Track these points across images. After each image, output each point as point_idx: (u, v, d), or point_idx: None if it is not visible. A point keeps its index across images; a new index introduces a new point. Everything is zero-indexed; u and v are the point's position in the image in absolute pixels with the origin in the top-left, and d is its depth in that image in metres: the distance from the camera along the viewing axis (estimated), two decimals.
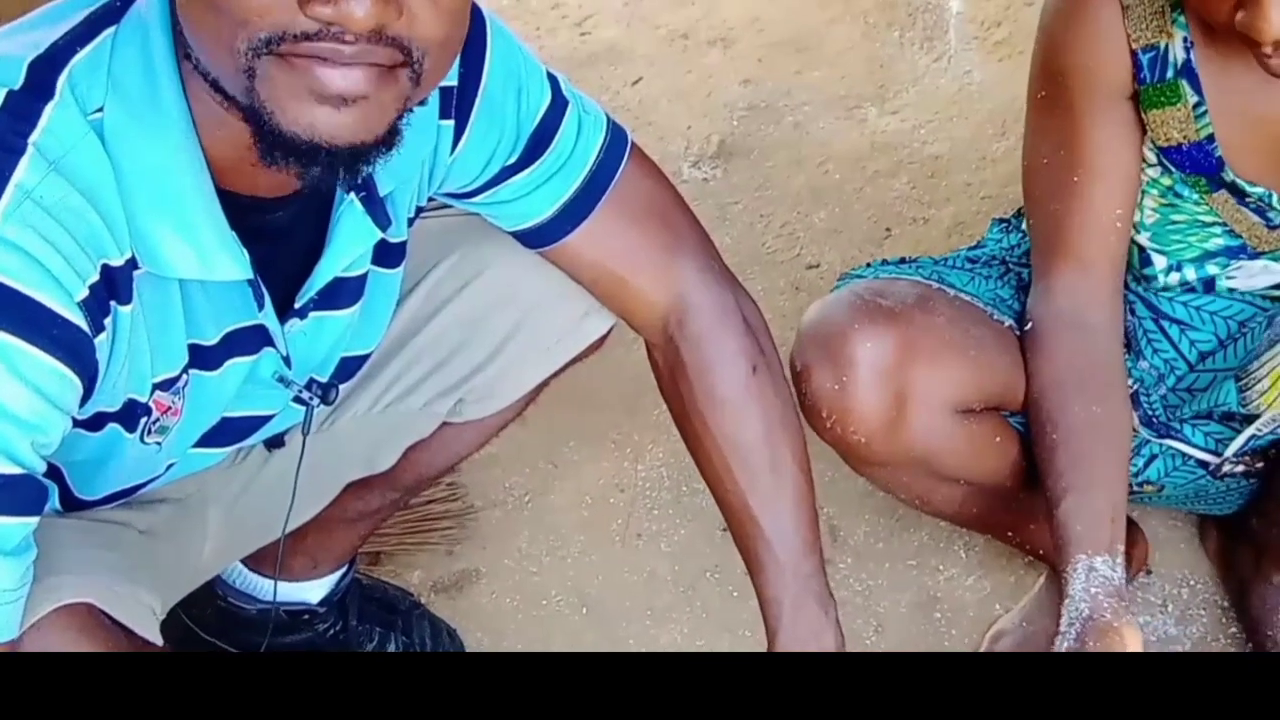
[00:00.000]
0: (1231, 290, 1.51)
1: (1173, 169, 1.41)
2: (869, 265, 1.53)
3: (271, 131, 0.94)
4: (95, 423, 1.10)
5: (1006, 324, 1.48)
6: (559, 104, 1.24)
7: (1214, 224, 1.45)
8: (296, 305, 1.15)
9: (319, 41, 0.90)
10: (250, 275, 1.07)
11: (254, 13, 0.90)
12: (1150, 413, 1.52)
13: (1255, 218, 1.43)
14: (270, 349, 1.17)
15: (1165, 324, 1.54)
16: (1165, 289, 1.52)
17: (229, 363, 1.15)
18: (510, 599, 1.83)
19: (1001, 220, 1.64)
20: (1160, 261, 1.50)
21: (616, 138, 1.29)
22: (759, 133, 2.61)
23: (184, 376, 1.13)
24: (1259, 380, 1.46)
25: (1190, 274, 1.51)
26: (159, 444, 1.17)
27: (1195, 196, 1.43)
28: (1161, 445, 1.52)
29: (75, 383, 0.97)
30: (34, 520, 0.97)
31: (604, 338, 1.44)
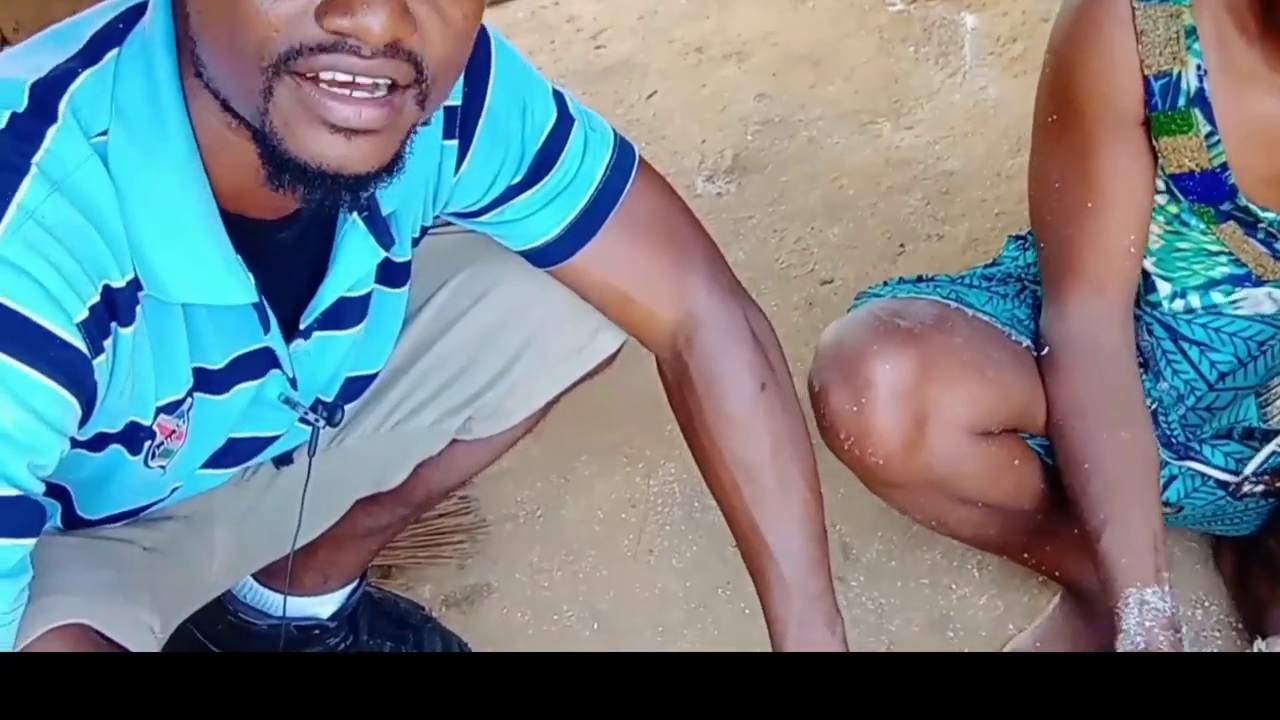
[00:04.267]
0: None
1: (1180, 197, 1.40)
2: (886, 284, 1.52)
3: (280, 155, 0.94)
4: (96, 443, 1.09)
5: (1024, 344, 1.47)
6: (565, 122, 1.24)
7: (1220, 252, 1.45)
8: (301, 326, 1.15)
9: (335, 54, 0.90)
10: (256, 298, 1.07)
11: (272, 28, 0.90)
12: (1169, 433, 1.51)
13: (1261, 247, 1.42)
14: (276, 371, 1.16)
15: (1184, 345, 1.52)
16: (1172, 314, 1.52)
17: (236, 388, 1.15)
18: (521, 613, 1.83)
19: (1017, 237, 1.62)
20: (1165, 288, 1.50)
21: (623, 154, 1.28)
22: (773, 147, 2.61)
23: (188, 399, 1.12)
24: None
25: (1195, 300, 1.50)
26: (163, 468, 1.16)
27: (1202, 226, 1.42)
28: (1181, 466, 1.51)
29: (73, 405, 0.96)
30: (30, 542, 0.97)
31: (614, 355, 1.43)
